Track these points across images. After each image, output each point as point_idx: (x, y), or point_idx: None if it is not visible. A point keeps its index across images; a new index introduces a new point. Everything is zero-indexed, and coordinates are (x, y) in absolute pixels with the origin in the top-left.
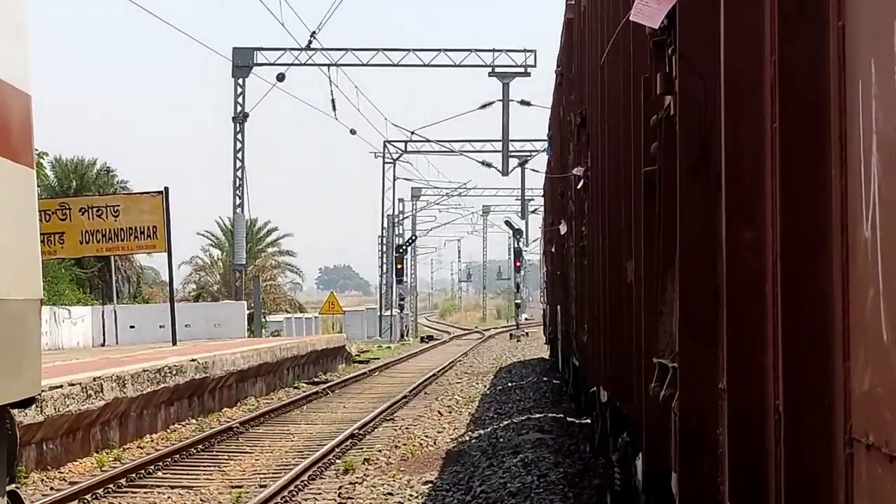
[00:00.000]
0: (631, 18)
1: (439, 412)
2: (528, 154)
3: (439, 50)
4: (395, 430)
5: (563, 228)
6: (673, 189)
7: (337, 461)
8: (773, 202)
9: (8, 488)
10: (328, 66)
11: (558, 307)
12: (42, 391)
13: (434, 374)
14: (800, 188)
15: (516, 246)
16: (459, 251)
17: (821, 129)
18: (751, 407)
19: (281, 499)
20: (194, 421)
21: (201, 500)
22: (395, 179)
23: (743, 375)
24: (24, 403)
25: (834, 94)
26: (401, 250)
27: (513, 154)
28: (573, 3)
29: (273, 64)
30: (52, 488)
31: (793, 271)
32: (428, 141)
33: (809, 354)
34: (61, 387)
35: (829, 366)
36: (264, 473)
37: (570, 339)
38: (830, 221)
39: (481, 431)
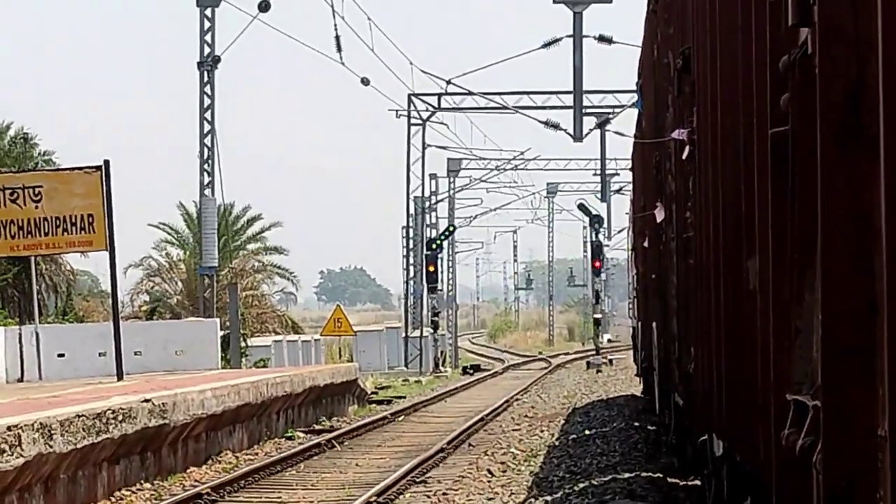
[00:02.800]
0: None
1: (489, 471)
2: (610, 111)
3: None
4: (429, 497)
5: (659, 214)
6: (812, 159)
7: None
8: None
9: None
10: None
11: (653, 324)
12: None
13: (482, 419)
14: None
15: (594, 239)
16: (515, 247)
17: None
18: None
19: None
20: (148, 485)
21: None
22: (424, 147)
23: None
24: None
25: None
26: (434, 247)
27: (588, 112)
28: None
29: None
30: None
31: None
32: (470, 94)
33: None
34: None
35: None
36: None
37: (671, 369)
38: None
39: (548, 498)
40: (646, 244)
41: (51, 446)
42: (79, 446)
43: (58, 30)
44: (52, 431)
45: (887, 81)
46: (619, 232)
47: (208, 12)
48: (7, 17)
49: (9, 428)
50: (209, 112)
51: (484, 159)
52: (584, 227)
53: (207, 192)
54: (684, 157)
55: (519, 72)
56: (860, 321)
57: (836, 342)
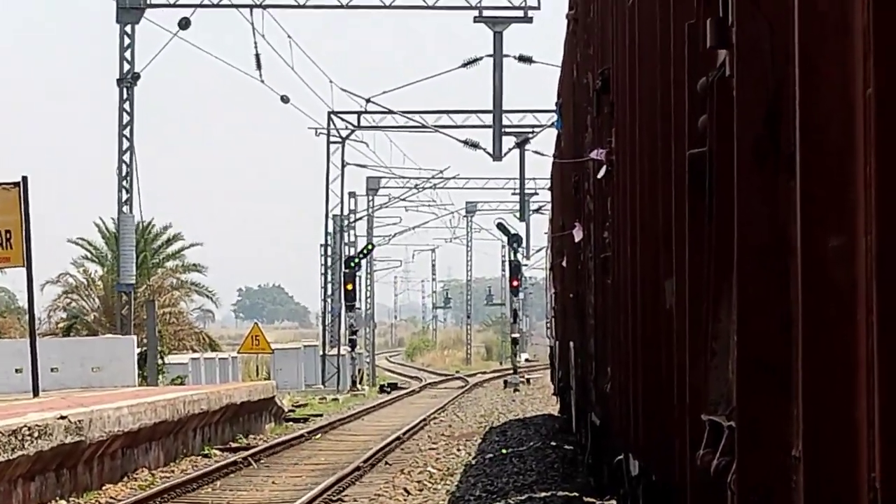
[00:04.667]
0: None
1: (405, 490)
2: (530, 131)
3: None
4: None
5: (577, 234)
6: (729, 178)
7: None
8: (867, 196)
9: None
10: (250, 7)
11: (571, 344)
12: None
13: (398, 438)
14: None
15: (513, 259)
16: (434, 266)
17: None
18: (837, 481)
19: None
20: (64, 502)
21: None
22: (343, 166)
23: (826, 437)
24: None
25: None
26: (352, 265)
27: (508, 131)
28: None
29: (174, 5)
30: None
31: (895, 291)
32: (390, 112)
33: None
34: None
35: None
36: None
37: (588, 389)
38: None
39: None
40: (564, 263)
41: None
42: None
43: None
44: None
45: (804, 100)
46: (538, 251)
47: (128, 29)
48: None
49: None
50: (128, 129)
51: (403, 178)
52: (503, 247)
53: (126, 209)
54: (599, 176)
55: (439, 91)
56: (775, 340)
57: (751, 361)
